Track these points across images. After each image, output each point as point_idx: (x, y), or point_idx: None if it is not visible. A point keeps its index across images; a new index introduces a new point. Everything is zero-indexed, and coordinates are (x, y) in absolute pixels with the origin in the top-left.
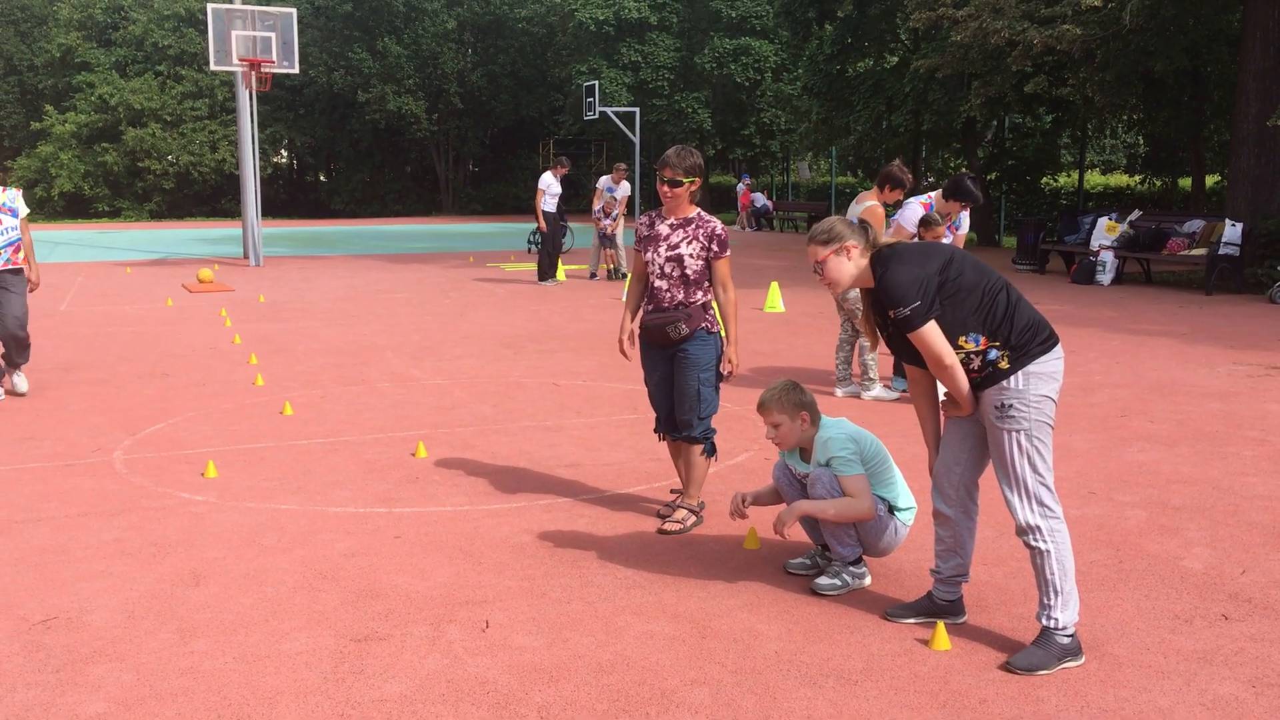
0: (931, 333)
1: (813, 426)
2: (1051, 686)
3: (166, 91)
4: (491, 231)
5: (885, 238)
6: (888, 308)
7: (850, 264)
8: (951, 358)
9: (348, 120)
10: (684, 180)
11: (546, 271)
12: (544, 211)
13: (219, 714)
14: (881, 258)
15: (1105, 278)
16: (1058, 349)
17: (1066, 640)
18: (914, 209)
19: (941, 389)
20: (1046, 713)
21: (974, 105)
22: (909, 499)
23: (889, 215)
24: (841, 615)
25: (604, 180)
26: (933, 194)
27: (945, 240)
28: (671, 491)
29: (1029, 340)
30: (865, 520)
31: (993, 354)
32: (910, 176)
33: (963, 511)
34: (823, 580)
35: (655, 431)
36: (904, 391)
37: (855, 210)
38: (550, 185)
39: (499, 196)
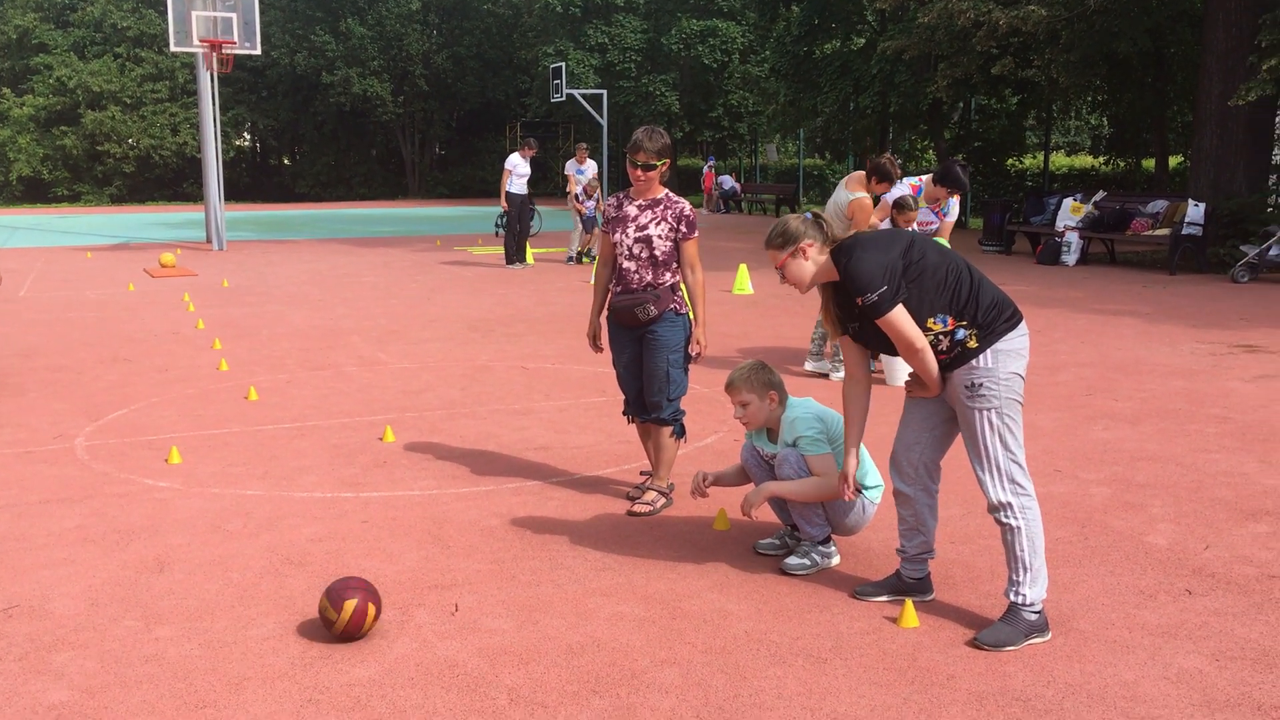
0: (900, 317)
1: (780, 406)
2: (1018, 662)
3: (126, 74)
4: (458, 215)
5: (872, 220)
6: (855, 295)
7: (809, 263)
8: (922, 341)
9: (311, 102)
10: (657, 164)
11: (514, 255)
12: (511, 193)
13: (184, 701)
14: (844, 248)
15: (1070, 258)
16: (1023, 325)
17: (1034, 616)
18: (899, 189)
19: (907, 369)
20: (1014, 688)
21: (940, 87)
22: (876, 477)
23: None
24: (811, 594)
25: (571, 164)
26: (923, 177)
27: (932, 225)
28: (641, 474)
29: (995, 318)
30: (833, 499)
31: (960, 334)
32: (900, 172)
33: (922, 489)
34: (792, 560)
35: (624, 414)
36: (872, 374)
37: (842, 196)
38: (517, 166)
39: (466, 180)
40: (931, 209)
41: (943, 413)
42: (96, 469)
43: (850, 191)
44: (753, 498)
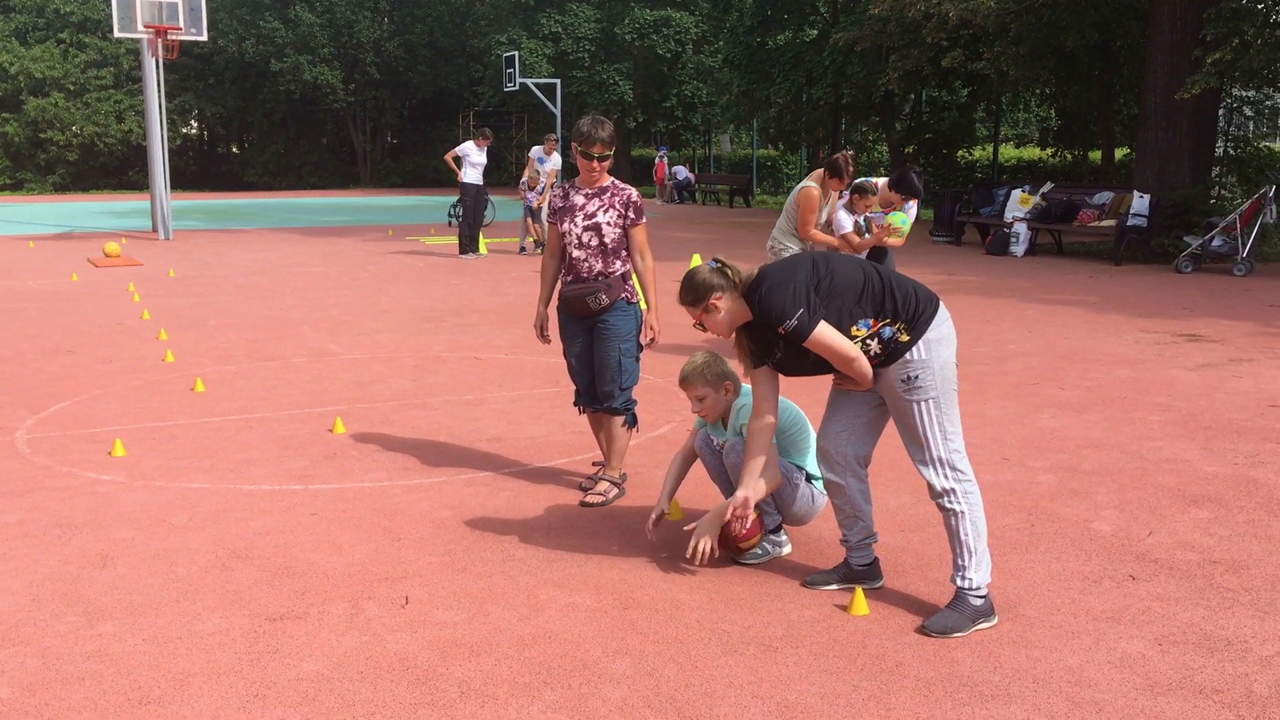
0: (826, 333)
1: (735, 395)
2: (966, 648)
3: (69, 60)
4: (411, 204)
5: (825, 219)
6: (776, 326)
7: (723, 314)
8: (854, 350)
9: (260, 90)
10: (610, 154)
11: (467, 245)
12: (466, 183)
13: (127, 697)
14: (752, 288)
15: (1019, 249)
16: (943, 309)
17: (980, 601)
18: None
19: None
20: (961, 674)
21: (892, 79)
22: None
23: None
24: (762, 583)
25: (536, 150)
26: (880, 180)
27: (901, 219)
28: (593, 464)
29: (915, 307)
30: (774, 491)
31: (888, 331)
32: (852, 170)
33: (851, 475)
34: None
35: (575, 405)
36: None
37: (799, 186)
38: (471, 154)
39: (418, 169)
40: (884, 212)
41: (872, 401)
42: (38, 462)
43: (807, 182)
44: (704, 535)
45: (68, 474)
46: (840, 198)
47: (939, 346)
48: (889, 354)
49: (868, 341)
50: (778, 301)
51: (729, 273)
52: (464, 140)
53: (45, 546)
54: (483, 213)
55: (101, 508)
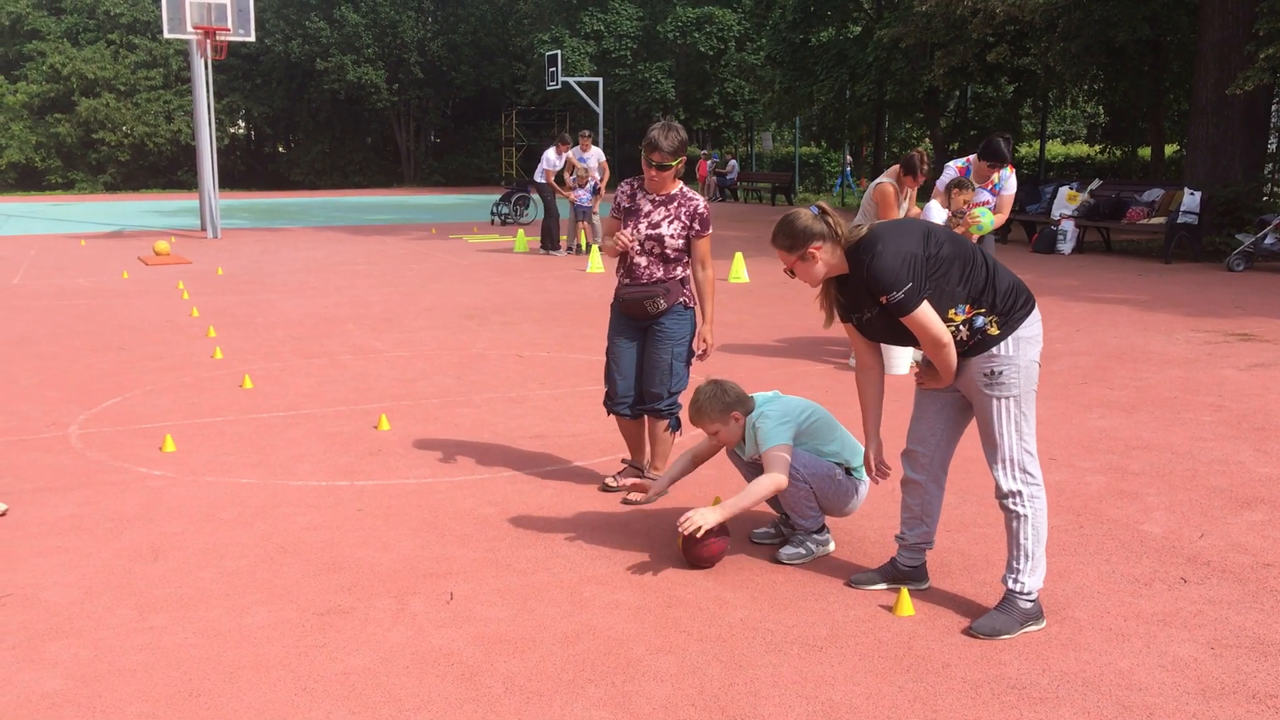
0: (927, 313)
1: (746, 416)
2: (1014, 650)
3: (120, 60)
4: (454, 203)
5: (915, 211)
6: (879, 294)
7: (819, 265)
8: (947, 336)
9: (306, 90)
10: (672, 163)
11: (554, 241)
12: (541, 184)
13: (178, 689)
14: (865, 246)
15: (1066, 246)
16: (1036, 310)
17: (1029, 605)
18: (948, 172)
19: (907, 358)
20: (1009, 676)
21: (937, 75)
22: (861, 458)
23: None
24: (806, 583)
25: (574, 152)
26: (970, 158)
27: (987, 201)
28: (621, 461)
29: (1013, 304)
30: (781, 490)
31: (980, 320)
32: (927, 167)
33: (933, 480)
34: (787, 549)
35: (604, 404)
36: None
37: (873, 185)
38: (550, 159)
39: (461, 167)
40: (983, 187)
41: (958, 404)
42: (90, 457)
43: (882, 179)
44: (700, 521)
45: (119, 469)
46: (910, 193)
47: (1027, 345)
48: (975, 344)
49: (960, 326)
50: (889, 269)
51: (830, 221)
52: (506, 138)
53: (98, 540)
54: (532, 210)
55: (152, 502)
